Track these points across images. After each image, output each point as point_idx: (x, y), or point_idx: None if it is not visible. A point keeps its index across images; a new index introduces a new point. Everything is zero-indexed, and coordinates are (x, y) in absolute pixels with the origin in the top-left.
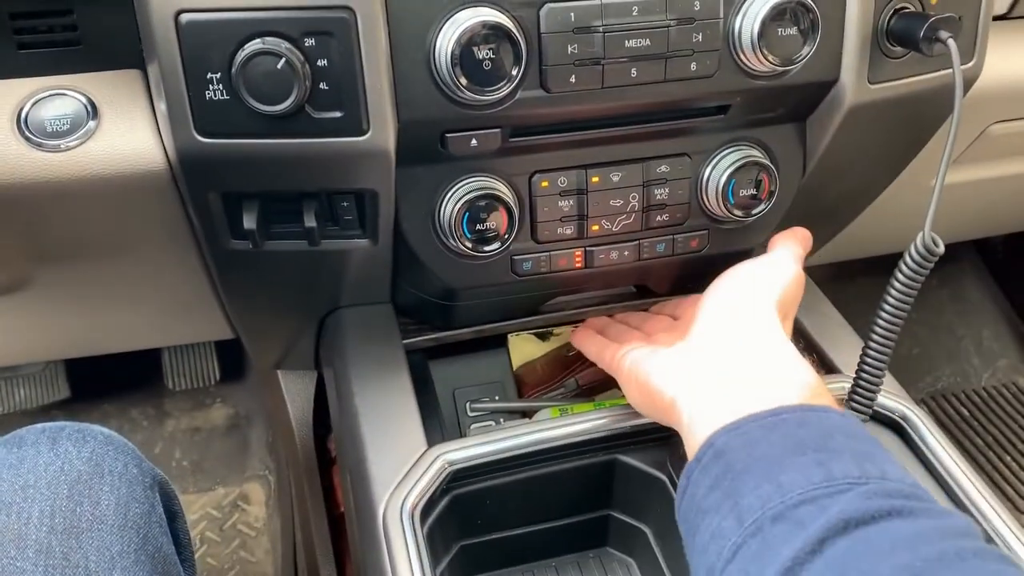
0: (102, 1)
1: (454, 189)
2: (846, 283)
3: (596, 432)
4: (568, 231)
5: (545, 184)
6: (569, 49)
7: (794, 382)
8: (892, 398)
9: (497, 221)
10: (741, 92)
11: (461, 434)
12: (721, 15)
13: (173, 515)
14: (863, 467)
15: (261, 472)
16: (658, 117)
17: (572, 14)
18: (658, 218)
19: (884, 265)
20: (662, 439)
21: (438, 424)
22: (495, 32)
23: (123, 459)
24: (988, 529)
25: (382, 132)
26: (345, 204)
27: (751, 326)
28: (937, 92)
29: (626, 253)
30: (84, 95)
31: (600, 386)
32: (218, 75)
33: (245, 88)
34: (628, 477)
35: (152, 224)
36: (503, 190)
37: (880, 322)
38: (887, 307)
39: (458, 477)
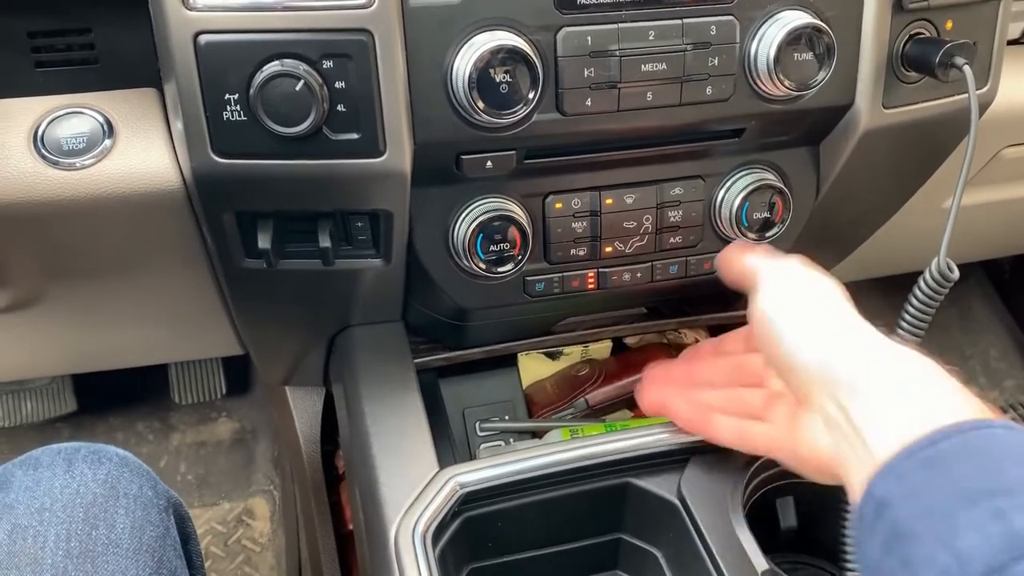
0: (120, 20)
1: (468, 210)
2: (856, 303)
3: (608, 455)
4: (581, 252)
5: (559, 205)
6: (586, 72)
7: (935, 387)
8: None
9: (511, 242)
10: (756, 116)
11: (471, 454)
12: (737, 40)
13: (187, 537)
14: None
15: (266, 487)
16: (673, 140)
17: (589, 38)
18: (671, 240)
19: (894, 284)
20: (674, 463)
21: (449, 444)
22: (512, 56)
23: (138, 481)
24: None
25: (398, 154)
26: (359, 224)
27: (849, 333)
28: (951, 117)
29: (639, 275)
30: (100, 113)
31: (610, 406)
32: (236, 96)
33: (263, 109)
34: (640, 501)
35: (166, 242)
36: (517, 211)
37: None
38: (902, 332)
39: (469, 500)
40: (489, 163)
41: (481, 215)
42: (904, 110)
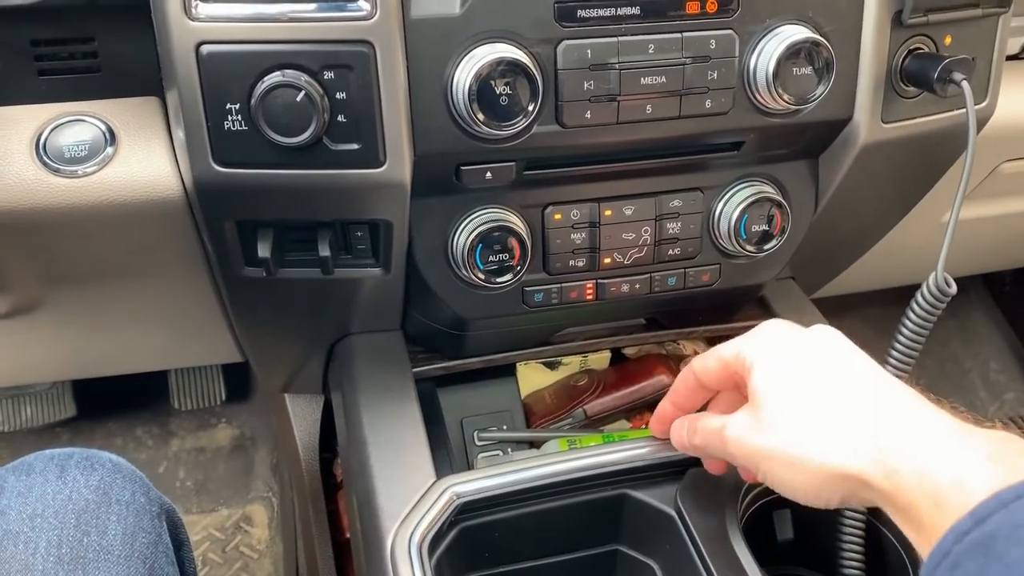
0: (123, 29)
1: (467, 220)
2: (853, 314)
3: (605, 466)
4: (580, 263)
5: (558, 217)
6: (585, 85)
7: (957, 446)
8: None
9: (510, 252)
10: (755, 129)
11: (468, 463)
12: (736, 54)
13: (180, 544)
14: None
15: (265, 494)
16: (672, 152)
17: (589, 51)
18: (670, 252)
19: (893, 295)
20: (672, 474)
21: (446, 454)
22: (512, 68)
23: (131, 488)
24: None
25: (398, 164)
26: (359, 234)
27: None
28: (950, 132)
29: (637, 286)
30: (103, 121)
31: (608, 417)
32: (237, 106)
33: (264, 120)
34: (637, 512)
35: (166, 250)
36: (516, 222)
37: (891, 362)
38: (898, 347)
39: (466, 509)
40: (489, 174)
41: (480, 225)
42: (903, 124)
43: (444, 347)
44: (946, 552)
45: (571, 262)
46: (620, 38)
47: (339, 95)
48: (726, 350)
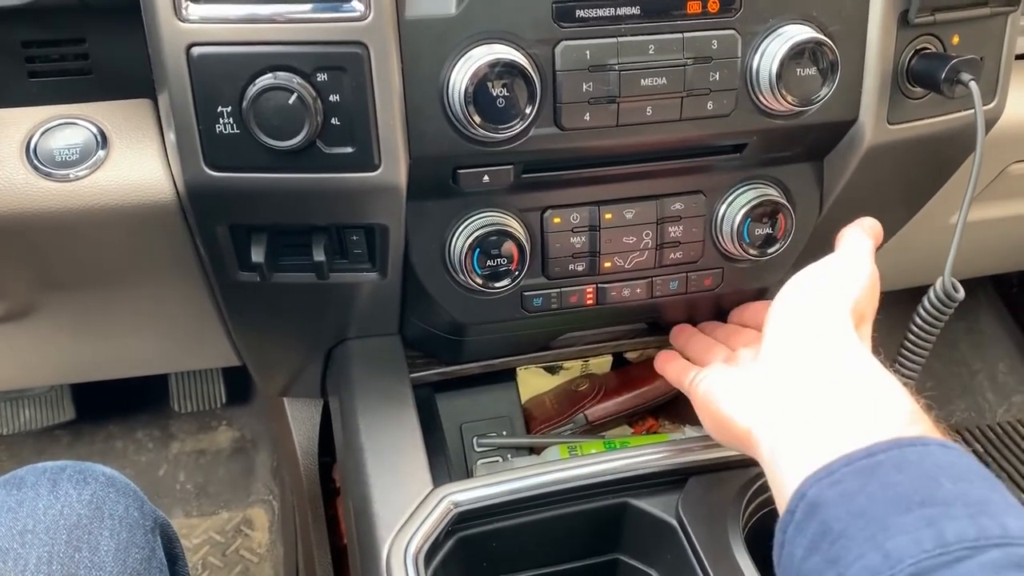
0: (114, 31)
1: (465, 224)
2: None
3: (606, 475)
4: (580, 268)
5: (557, 220)
6: (584, 87)
7: (883, 406)
8: None
9: (508, 257)
10: (758, 131)
11: (467, 469)
12: (739, 54)
13: (174, 558)
14: (979, 524)
15: (265, 497)
16: (673, 155)
17: (588, 52)
18: (671, 256)
19: (902, 296)
20: (673, 483)
21: (444, 460)
22: (509, 69)
23: (124, 502)
24: None
25: (393, 168)
26: (355, 238)
27: (824, 341)
28: (957, 133)
29: (638, 290)
30: (94, 124)
31: (610, 422)
32: (229, 109)
33: (256, 123)
34: (638, 521)
35: (159, 254)
36: (514, 225)
37: (900, 366)
38: (906, 351)
39: (464, 519)
40: (486, 177)
41: (478, 229)
42: (909, 126)
43: (442, 352)
44: (832, 471)
45: (571, 266)
46: (620, 39)
47: (332, 97)
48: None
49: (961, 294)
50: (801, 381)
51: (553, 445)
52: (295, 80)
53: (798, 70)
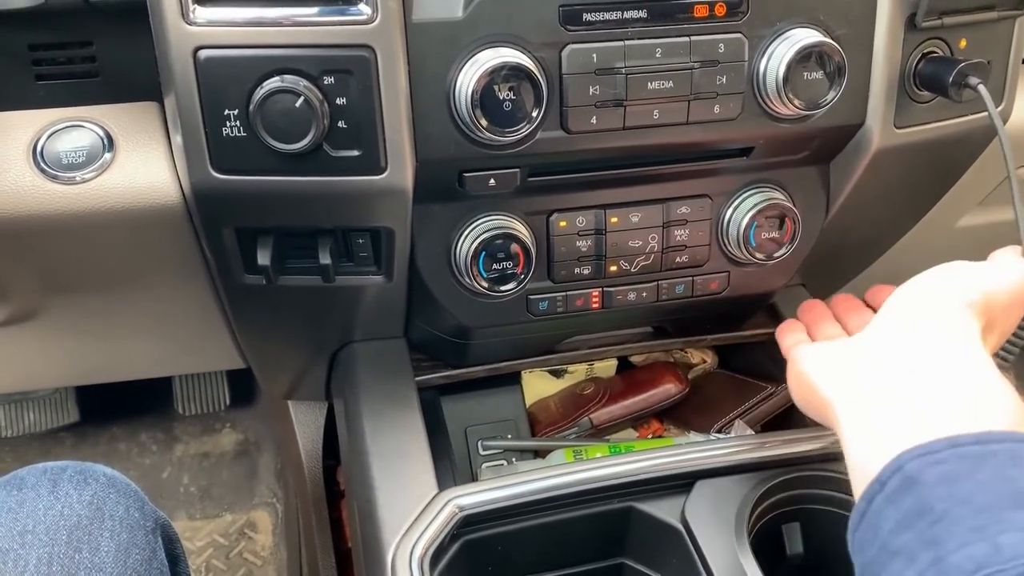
0: (121, 34)
1: (471, 227)
2: None
3: (611, 479)
4: (586, 271)
5: (563, 224)
6: (591, 90)
7: (996, 403)
8: None
9: (513, 260)
10: (765, 135)
11: (472, 473)
12: (746, 58)
13: (175, 559)
14: None
15: (269, 500)
16: (679, 158)
17: (595, 55)
18: (677, 259)
19: None
20: (679, 487)
21: (449, 463)
22: (516, 73)
23: (125, 503)
24: None
25: (400, 171)
26: (360, 241)
27: (940, 326)
28: (964, 137)
29: (644, 294)
30: (101, 127)
31: (615, 426)
32: (235, 112)
33: (262, 126)
34: (643, 526)
35: (165, 257)
36: (520, 229)
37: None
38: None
39: (469, 522)
40: (492, 180)
41: (484, 233)
42: (917, 130)
43: (447, 355)
44: (935, 450)
45: (576, 270)
46: (626, 42)
47: (339, 100)
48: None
49: None
50: (902, 363)
51: (558, 448)
52: (302, 83)
53: (805, 74)
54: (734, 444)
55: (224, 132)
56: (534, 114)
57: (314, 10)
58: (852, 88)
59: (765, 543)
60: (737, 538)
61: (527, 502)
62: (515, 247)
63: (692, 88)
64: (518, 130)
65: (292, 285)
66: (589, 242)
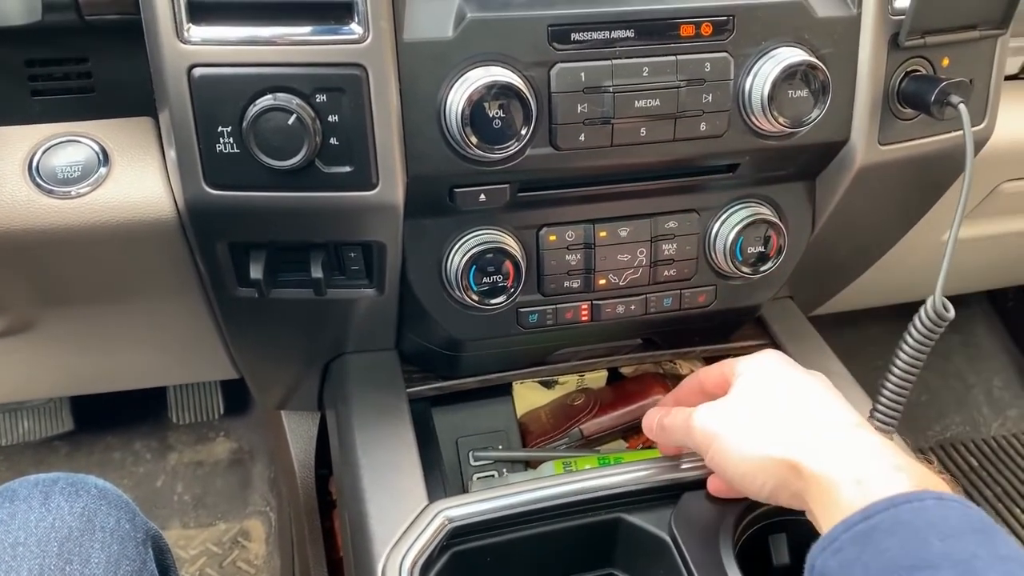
0: (117, 50)
1: (461, 242)
2: (853, 329)
3: (599, 491)
4: (575, 285)
5: (553, 238)
6: (579, 108)
7: (875, 457)
8: None
9: (504, 274)
10: (750, 152)
11: (463, 483)
12: (731, 76)
13: (166, 570)
14: None
15: (262, 508)
16: (667, 174)
17: (583, 74)
18: (665, 273)
19: (895, 310)
20: (667, 498)
21: (440, 474)
22: (506, 91)
23: (116, 514)
24: None
25: (391, 187)
26: (352, 255)
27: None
28: (948, 153)
29: (633, 307)
30: (96, 142)
31: (605, 437)
32: (229, 129)
33: (255, 143)
34: (631, 537)
35: (159, 270)
36: (510, 243)
37: (889, 385)
38: (896, 370)
39: (458, 534)
40: (482, 196)
41: (474, 247)
42: (900, 146)
43: (439, 367)
44: (834, 539)
45: (566, 283)
46: (614, 61)
47: (331, 118)
48: (729, 362)
49: (952, 314)
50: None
51: (549, 459)
52: (295, 101)
53: (790, 92)
54: None
55: (217, 148)
56: (523, 132)
57: (307, 29)
58: (836, 106)
59: (751, 554)
60: (723, 549)
61: (516, 513)
62: (505, 261)
63: (679, 106)
64: (508, 147)
65: (284, 298)
66: (578, 256)
